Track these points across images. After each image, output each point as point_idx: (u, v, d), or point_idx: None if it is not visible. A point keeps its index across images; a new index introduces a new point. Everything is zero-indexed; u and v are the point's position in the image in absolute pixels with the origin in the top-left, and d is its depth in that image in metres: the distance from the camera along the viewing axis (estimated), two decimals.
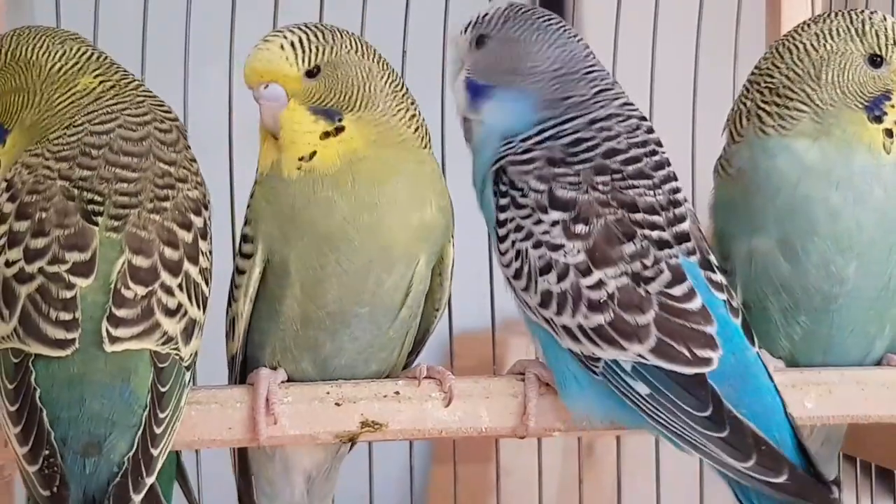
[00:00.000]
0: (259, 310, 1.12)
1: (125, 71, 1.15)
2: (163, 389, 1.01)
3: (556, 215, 1.08)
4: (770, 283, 1.15)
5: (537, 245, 1.08)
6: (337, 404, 1.09)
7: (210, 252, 1.10)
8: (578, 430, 1.13)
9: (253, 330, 1.14)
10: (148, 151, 1.08)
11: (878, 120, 1.15)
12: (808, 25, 1.19)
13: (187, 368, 1.05)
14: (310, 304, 1.10)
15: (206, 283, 1.08)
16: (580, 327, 1.06)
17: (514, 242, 1.10)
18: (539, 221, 1.09)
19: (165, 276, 1.04)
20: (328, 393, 1.10)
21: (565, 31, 1.17)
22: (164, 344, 1.03)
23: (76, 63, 1.13)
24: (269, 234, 1.10)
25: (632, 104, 1.16)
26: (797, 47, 1.18)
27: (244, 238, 1.12)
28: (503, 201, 1.12)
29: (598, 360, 1.06)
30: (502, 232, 1.12)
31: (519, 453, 1.67)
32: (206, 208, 1.10)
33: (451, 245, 1.15)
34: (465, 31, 1.18)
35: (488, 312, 1.39)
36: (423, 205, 1.11)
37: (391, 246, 1.09)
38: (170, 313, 1.04)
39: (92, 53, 1.14)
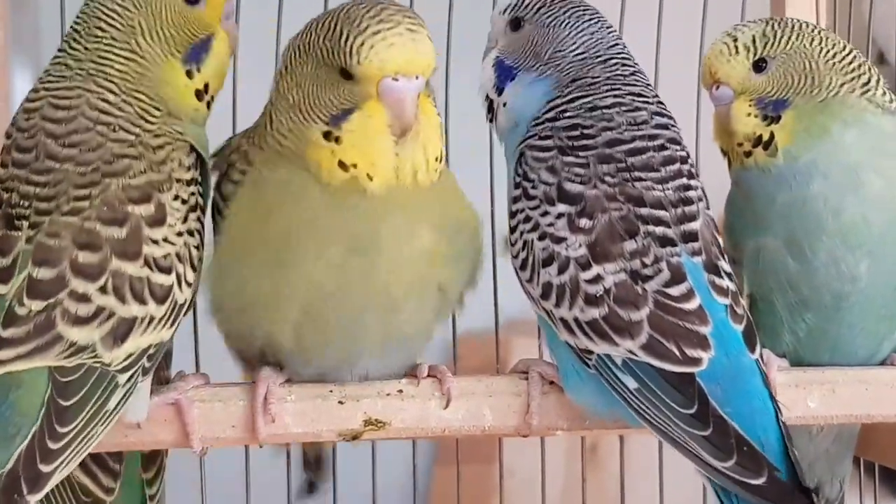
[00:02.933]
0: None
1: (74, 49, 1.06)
2: (65, 404, 0.95)
3: (562, 208, 1.08)
4: (777, 279, 1.15)
5: (542, 237, 1.08)
6: (340, 402, 1.09)
7: (181, 233, 1.01)
8: (582, 428, 1.13)
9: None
10: (74, 144, 1.00)
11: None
12: None
13: (124, 370, 0.98)
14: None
15: (166, 271, 1.00)
16: (576, 320, 1.06)
17: (522, 233, 1.10)
18: (546, 213, 1.09)
19: (77, 283, 0.97)
20: (331, 391, 1.09)
21: (595, 19, 1.18)
22: (70, 356, 0.96)
23: None
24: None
25: (646, 95, 1.15)
26: None
27: None
28: (516, 192, 1.12)
29: (592, 353, 1.06)
30: (513, 223, 1.12)
31: (522, 454, 1.67)
32: (164, 190, 1.00)
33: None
34: (504, 12, 1.19)
35: (492, 313, 1.39)
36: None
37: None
38: (81, 322, 0.96)
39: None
